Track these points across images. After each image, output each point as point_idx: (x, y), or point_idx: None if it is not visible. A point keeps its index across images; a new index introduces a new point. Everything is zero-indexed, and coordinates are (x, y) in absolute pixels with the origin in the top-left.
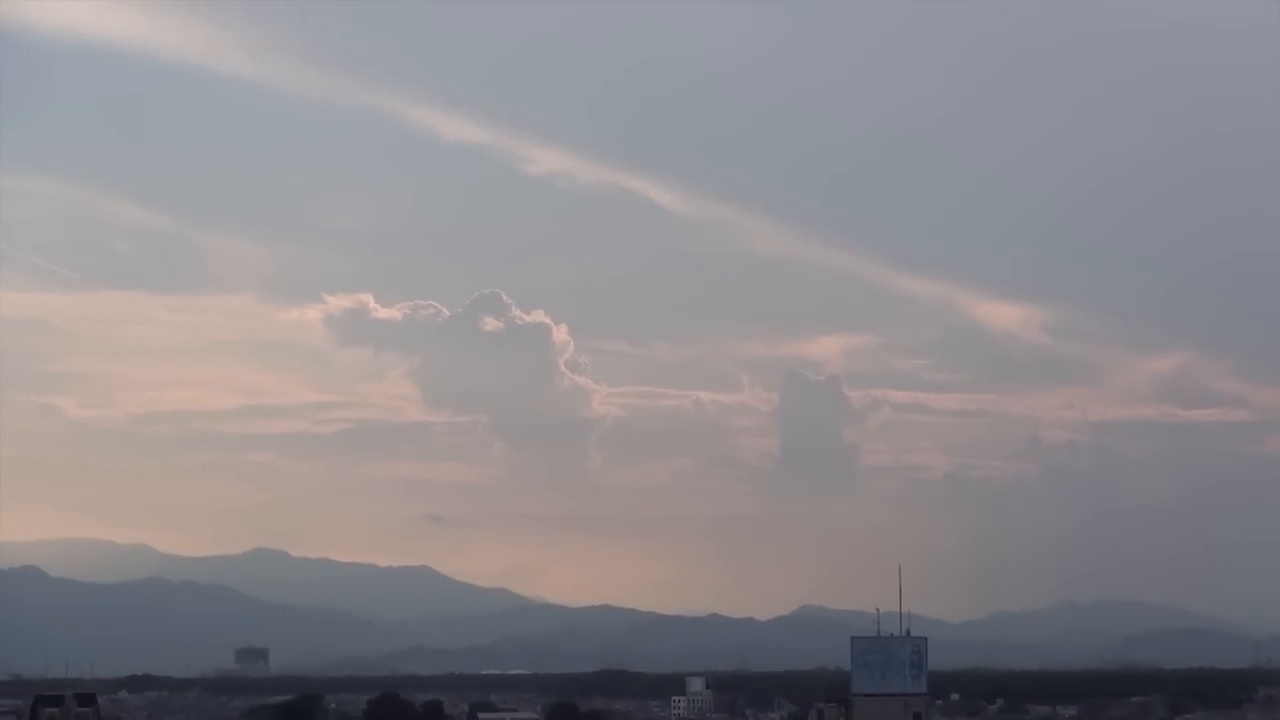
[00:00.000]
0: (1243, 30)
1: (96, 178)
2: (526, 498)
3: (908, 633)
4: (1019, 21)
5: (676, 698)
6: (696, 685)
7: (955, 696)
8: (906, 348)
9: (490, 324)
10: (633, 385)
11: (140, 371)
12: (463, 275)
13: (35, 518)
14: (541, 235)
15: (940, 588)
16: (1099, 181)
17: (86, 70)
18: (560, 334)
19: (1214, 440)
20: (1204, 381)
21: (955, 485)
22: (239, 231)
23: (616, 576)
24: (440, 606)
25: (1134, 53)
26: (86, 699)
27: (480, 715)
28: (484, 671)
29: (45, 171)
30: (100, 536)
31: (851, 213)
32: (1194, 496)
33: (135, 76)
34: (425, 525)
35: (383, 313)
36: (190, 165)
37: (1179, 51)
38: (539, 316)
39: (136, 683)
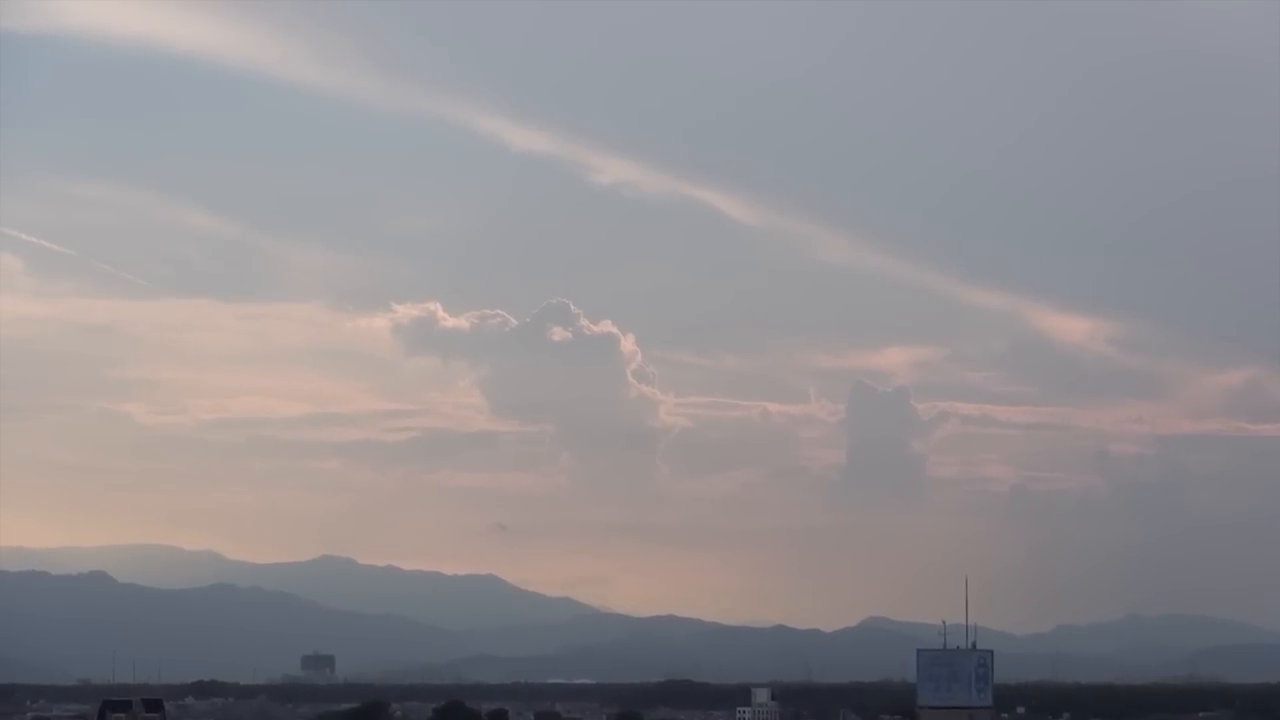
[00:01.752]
0: None
1: (165, 185)
2: (593, 507)
3: (974, 645)
4: (1091, 35)
5: (742, 709)
6: (762, 696)
7: (1021, 710)
8: (974, 360)
9: (558, 333)
10: (700, 395)
11: (209, 379)
12: (530, 285)
13: (104, 523)
14: (609, 245)
15: (1006, 601)
16: (1167, 195)
17: (155, 78)
18: (628, 344)
19: None
20: (1274, 395)
21: (1022, 498)
22: (307, 239)
23: (682, 586)
24: (506, 615)
25: (1205, 67)
26: (153, 704)
27: None
28: (549, 680)
29: (114, 179)
30: (168, 542)
31: (919, 224)
32: (1263, 511)
33: (204, 84)
34: (491, 534)
35: (450, 322)
36: (259, 172)
37: (1253, 65)
38: (606, 326)
39: (203, 689)
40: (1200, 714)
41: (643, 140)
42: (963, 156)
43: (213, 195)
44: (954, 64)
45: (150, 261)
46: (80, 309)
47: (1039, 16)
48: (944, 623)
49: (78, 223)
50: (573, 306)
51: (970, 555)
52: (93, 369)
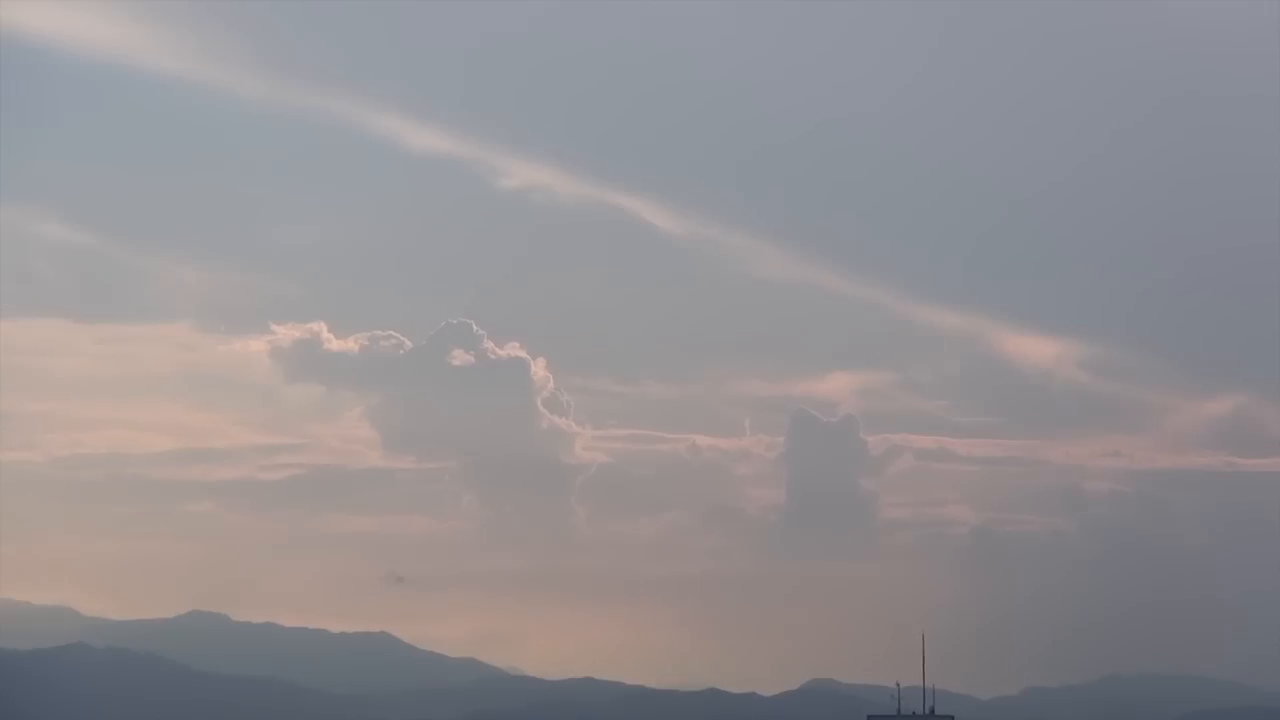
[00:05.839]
0: None
1: (12, 190)
2: (500, 555)
3: (932, 711)
4: (1063, 50)
5: None
6: None
7: None
8: (928, 387)
9: (459, 358)
10: (620, 428)
11: (63, 409)
12: (428, 302)
13: None
14: (517, 258)
15: (968, 659)
16: (1143, 208)
17: (2, 69)
18: (538, 369)
19: (1276, 492)
20: (1265, 427)
21: (985, 542)
22: (175, 252)
23: (602, 645)
24: (402, 678)
25: (1183, 76)
26: None
27: None
28: None
29: None
30: (15, 596)
31: (866, 236)
32: (1255, 555)
33: (58, 76)
34: (385, 586)
35: (337, 344)
36: (122, 177)
37: (1245, 81)
38: (514, 350)
39: None
40: None
41: (556, 139)
42: (912, 159)
43: (68, 202)
44: (909, 72)
45: None
46: None
47: (1010, 38)
48: (898, 685)
49: None
50: (475, 327)
51: (927, 608)
52: None
